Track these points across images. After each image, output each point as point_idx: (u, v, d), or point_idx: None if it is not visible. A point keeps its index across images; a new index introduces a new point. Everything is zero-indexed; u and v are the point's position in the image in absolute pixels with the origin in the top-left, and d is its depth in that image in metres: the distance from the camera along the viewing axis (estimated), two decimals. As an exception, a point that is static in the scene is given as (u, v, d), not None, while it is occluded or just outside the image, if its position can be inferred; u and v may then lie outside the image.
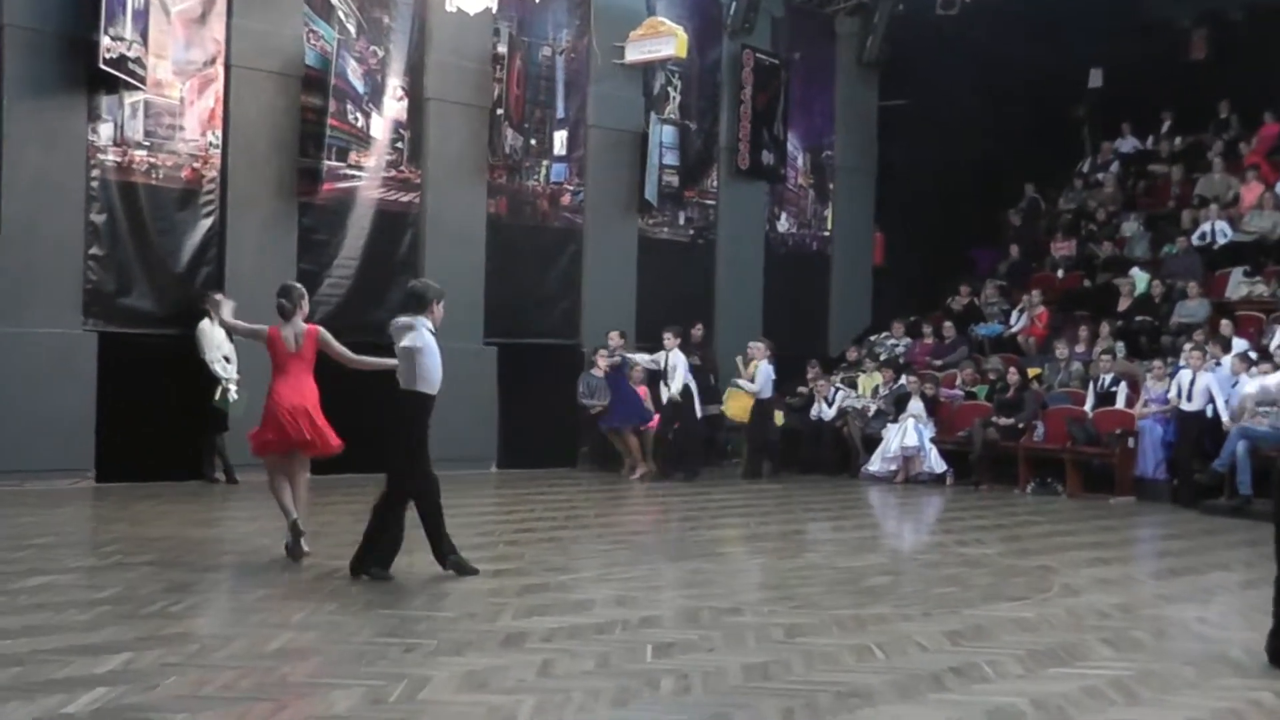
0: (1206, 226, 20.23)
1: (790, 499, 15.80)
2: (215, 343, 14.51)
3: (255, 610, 8.15)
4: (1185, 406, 16.02)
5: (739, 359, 18.30)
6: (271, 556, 10.10)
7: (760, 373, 17.77)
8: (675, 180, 19.82)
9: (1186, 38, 23.80)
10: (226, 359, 14.51)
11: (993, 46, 20.90)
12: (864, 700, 6.41)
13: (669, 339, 17.25)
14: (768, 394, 17.95)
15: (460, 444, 15.33)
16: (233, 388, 14.34)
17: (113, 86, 14.44)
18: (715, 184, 20.66)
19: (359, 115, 16.49)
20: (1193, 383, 16.01)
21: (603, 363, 17.82)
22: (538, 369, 17.89)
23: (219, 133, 15.46)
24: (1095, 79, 24.29)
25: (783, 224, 21.72)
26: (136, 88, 14.54)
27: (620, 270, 19.18)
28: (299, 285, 10.44)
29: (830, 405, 18.82)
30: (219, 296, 12.68)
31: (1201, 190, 21.43)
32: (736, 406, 18.41)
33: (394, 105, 16.86)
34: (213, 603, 8.37)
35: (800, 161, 21.95)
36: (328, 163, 16.05)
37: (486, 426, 17.27)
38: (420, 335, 9.21)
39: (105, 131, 14.62)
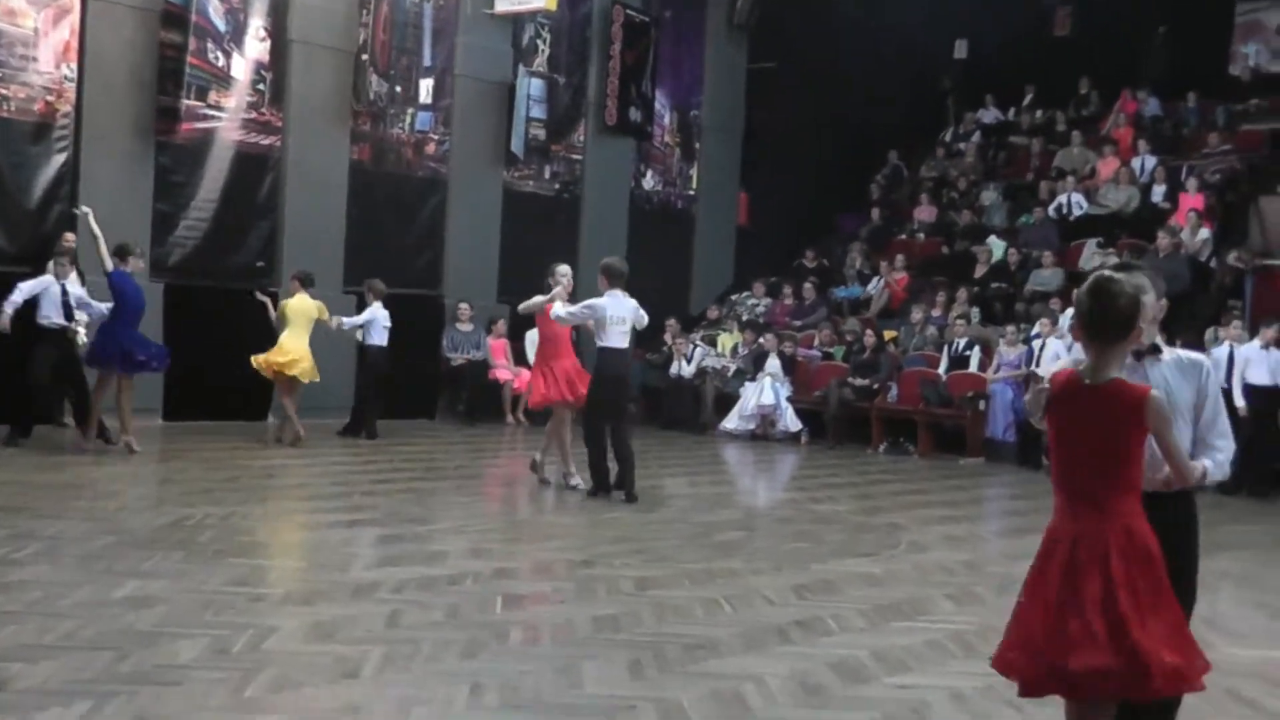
0: (1063, 198, 20.69)
1: (647, 455, 15.88)
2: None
3: (101, 557, 7.97)
4: (1038, 371, 16.42)
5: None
6: (120, 504, 9.90)
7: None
8: (542, 134, 19.70)
9: (1051, 14, 24.33)
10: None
11: (862, 13, 21.11)
12: (710, 652, 6.51)
13: None
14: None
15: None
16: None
17: (-40, 14, 13.94)
18: (582, 139, 20.60)
19: (220, 54, 16.09)
20: (1043, 348, 16.45)
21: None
22: (398, 320, 17.62)
23: (74, 66, 14.98)
24: (960, 50, 24.70)
25: (649, 181, 21.75)
26: (-15, 16, 14.05)
27: (484, 222, 19.05)
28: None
29: (690, 363, 18.98)
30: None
31: (1059, 163, 21.91)
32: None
33: (256, 45, 16.46)
34: (58, 550, 8.16)
35: (668, 120, 21.98)
36: (186, 102, 15.68)
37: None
38: None
39: (-48, 61, 14.12)
